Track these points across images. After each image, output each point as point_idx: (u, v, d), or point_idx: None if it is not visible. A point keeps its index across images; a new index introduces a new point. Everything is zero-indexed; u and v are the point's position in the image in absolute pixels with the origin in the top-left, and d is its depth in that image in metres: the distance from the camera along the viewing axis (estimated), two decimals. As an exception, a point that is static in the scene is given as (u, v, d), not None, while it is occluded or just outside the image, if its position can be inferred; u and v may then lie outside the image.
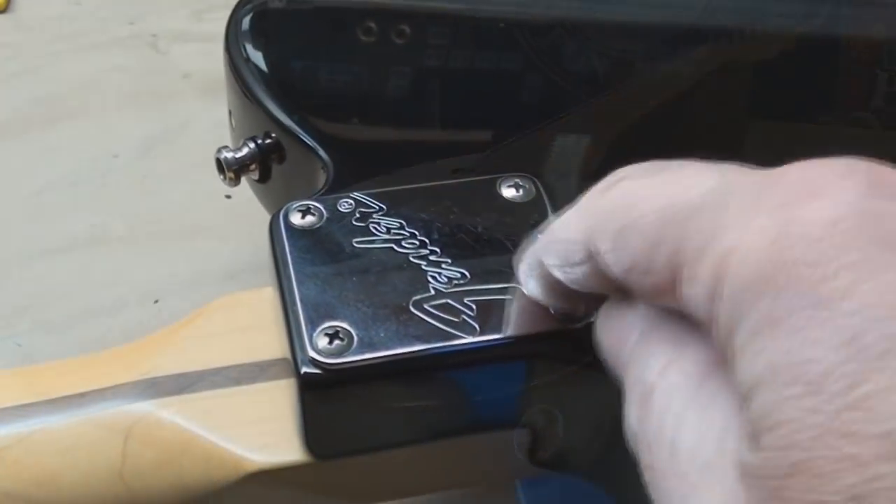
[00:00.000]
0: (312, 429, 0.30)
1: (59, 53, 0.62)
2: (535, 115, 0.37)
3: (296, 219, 0.32)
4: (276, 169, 0.38)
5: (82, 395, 0.33)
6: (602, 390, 0.30)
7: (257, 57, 0.39)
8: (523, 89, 0.39)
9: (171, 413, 0.33)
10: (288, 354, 0.30)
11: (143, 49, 0.62)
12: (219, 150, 0.38)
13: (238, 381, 0.33)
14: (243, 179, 0.39)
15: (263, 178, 0.38)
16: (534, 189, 0.33)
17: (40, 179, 0.55)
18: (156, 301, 0.49)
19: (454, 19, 0.40)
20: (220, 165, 0.38)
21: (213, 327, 0.35)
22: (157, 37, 0.63)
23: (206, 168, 0.54)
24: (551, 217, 0.32)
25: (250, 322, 0.34)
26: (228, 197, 0.52)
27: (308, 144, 0.35)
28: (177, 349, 0.34)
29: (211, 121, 0.57)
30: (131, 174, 0.55)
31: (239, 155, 0.38)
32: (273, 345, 0.33)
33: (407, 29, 0.38)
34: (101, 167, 0.55)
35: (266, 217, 0.42)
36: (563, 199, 0.33)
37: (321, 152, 0.35)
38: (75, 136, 0.57)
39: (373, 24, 0.38)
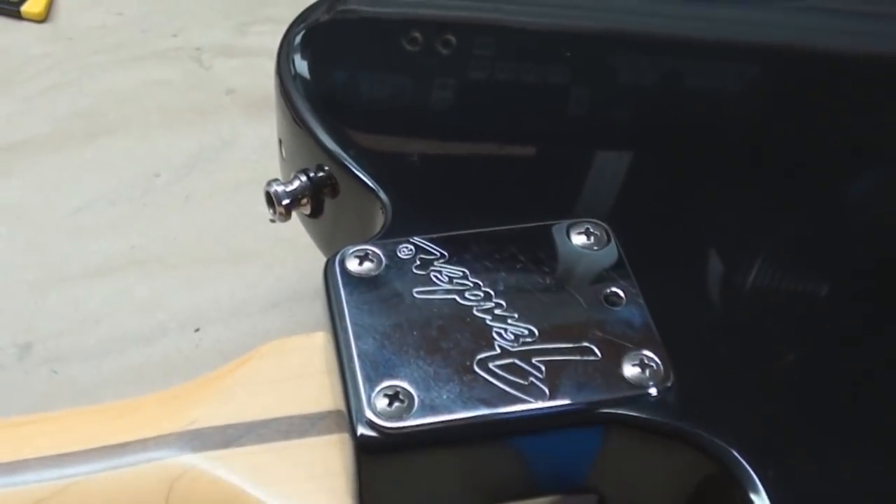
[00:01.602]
0: (368, 492, 0.28)
1: (99, 65, 0.60)
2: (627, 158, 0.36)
3: (353, 265, 0.30)
4: (328, 203, 0.36)
5: (124, 444, 0.31)
6: (680, 458, 0.28)
7: (310, 81, 0.37)
8: (609, 133, 0.37)
9: (216, 467, 0.31)
10: (343, 409, 0.28)
11: (187, 63, 0.60)
12: (268, 183, 0.36)
13: (287, 435, 0.32)
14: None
15: (315, 213, 0.36)
16: (605, 236, 0.31)
17: (78, 198, 0.53)
18: (196, 329, 0.48)
19: (549, 49, 0.38)
20: (270, 199, 0.36)
21: (261, 375, 0.33)
22: (201, 50, 0.61)
23: (249, 189, 0.53)
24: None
25: (300, 370, 0.33)
26: (273, 221, 0.50)
27: (366, 182, 0.33)
28: (223, 398, 0.32)
29: (256, 140, 0.55)
30: (173, 194, 0.53)
31: (290, 188, 0.36)
32: (324, 396, 0.31)
33: (484, 57, 0.36)
34: (142, 186, 0.54)
35: (311, 243, 0.40)
36: (636, 247, 0.31)
37: (380, 192, 0.33)
38: (115, 152, 0.55)
39: (451, 41, 0.37)
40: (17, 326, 0.48)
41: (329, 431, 0.31)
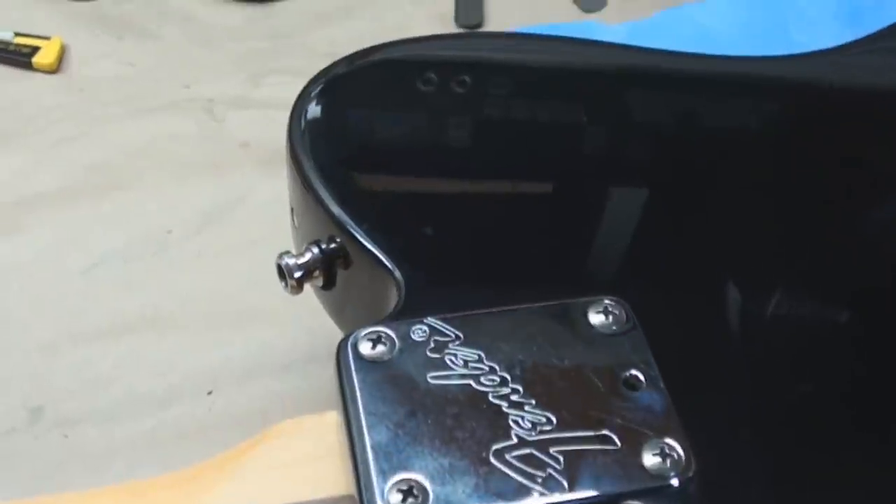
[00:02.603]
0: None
1: (111, 117, 0.60)
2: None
3: (365, 349, 0.30)
4: (341, 274, 0.35)
5: (132, 532, 0.31)
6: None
7: (323, 148, 0.36)
8: (633, 200, 0.36)
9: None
10: (356, 496, 0.27)
11: (199, 115, 0.60)
12: (280, 256, 0.35)
13: (300, 523, 0.31)
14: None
15: (328, 285, 0.35)
16: (625, 316, 0.31)
17: (90, 255, 0.52)
18: (209, 392, 0.47)
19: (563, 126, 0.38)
20: (282, 272, 0.35)
21: (274, 458, 0.32)
22: (214, 102, 0.60)
23: (262, 246, 0.52)
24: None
25: (313, 452, 0.32)
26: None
27: (379, 258, 0.32)
28: (235, 481, 0.32)
29: (270, 194, 0.55)
30: (185, 251, 0.53)
31: (302, 261, 0.35)
32: (338, 480, 0.31)
33: (504, 124, 0.36)
34: (154, 242, 0.53)
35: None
36: (658, 327, 0.30)
37: (394, 269, 0.32)
38: (128, 207, 0.55)
39: (469, 114, 0.36)
40: (29, 388, 0.47)
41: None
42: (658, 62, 0.41)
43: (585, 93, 0.40)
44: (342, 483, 0.31)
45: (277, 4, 0.67)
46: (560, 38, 0.41)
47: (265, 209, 0.54)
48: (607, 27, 0.62)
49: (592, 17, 0.65)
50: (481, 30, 0.64)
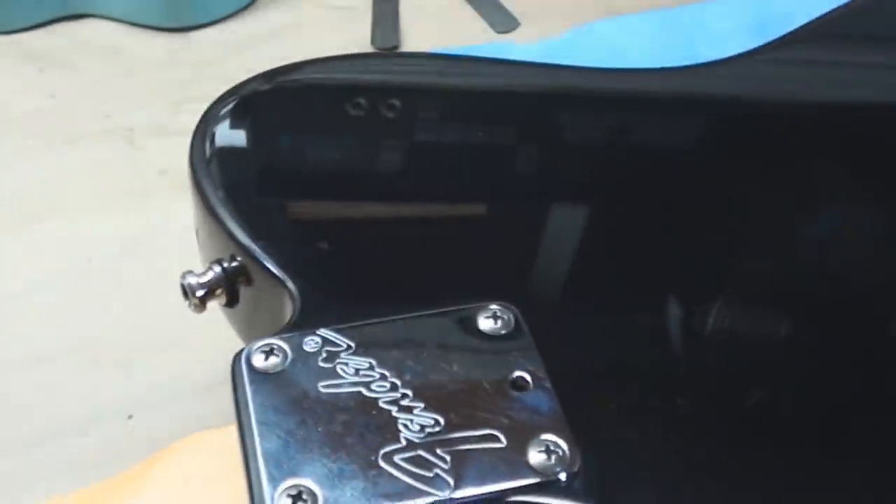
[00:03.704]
0: None
1: (31, 149, 0.60)
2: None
3: (258, 361, 0.30)
4: (243, 292, 0.36)
5: (35, 552, 0.31)
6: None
7: (222, 169, 0.37)
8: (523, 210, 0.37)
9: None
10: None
11: (119, 144, 0.60)
12: (183, 275, 0.36)
13: (203, 535, 0.31)
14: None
15: (231, 302, 0.36)
16: (513, 320, 0.31)
17: (9, 285, 0.53)
18: (129, 416, 0.47)
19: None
20: (185, 291, 0.36)
21: (176, 473, 0.32)
22: (133, 131, 0.61)
23: (181, 272, 0.52)
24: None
25: (216, 467, 0.32)
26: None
27: (275, 274, 0.33)
28: (137, 496, 0.32)
29: (188, 220, 0.55)
30: (105, 280, 0.53)
31: (204, 280, 0.36)
32: (240, 493, 0.31)
33: (399, 147, 0.37)
34: (74, 272, 0.53)
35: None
36: (546, 330, 0.31)
37: (287, 282, 0.33)
38: (47, 238, 0.55)
39: (360, 134, 0.37)
40: (-52, 419, 0.47)
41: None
42: (559, 79, 0.42)
43: (478, 103, 0.41)
44: (243, 497, 0.31)
45: (197, 34, 0.68)
46: (457, 56, 0.42)
47: (184, 235, 0.54)
48: (520, 47, 0.63)
49: (506, 38, 0.67)
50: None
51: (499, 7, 0.67)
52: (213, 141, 0.38)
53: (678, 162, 0.40)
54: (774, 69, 0.45)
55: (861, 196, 0.39)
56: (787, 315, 0.34)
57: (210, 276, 0.36)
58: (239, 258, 0.35)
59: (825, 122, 0.42)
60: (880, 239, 0.37)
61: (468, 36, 0.66)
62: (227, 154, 0.38)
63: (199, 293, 0.36)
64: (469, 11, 0.68)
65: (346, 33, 0.67)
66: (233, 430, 0.32)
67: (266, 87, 0.40)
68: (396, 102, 0.41)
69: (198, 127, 0.39)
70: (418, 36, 0.67)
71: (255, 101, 0.40)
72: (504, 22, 0.67)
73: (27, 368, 0.49)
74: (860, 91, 0.44)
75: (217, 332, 0.49)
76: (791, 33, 0.46)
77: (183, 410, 0.48)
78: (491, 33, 0.67)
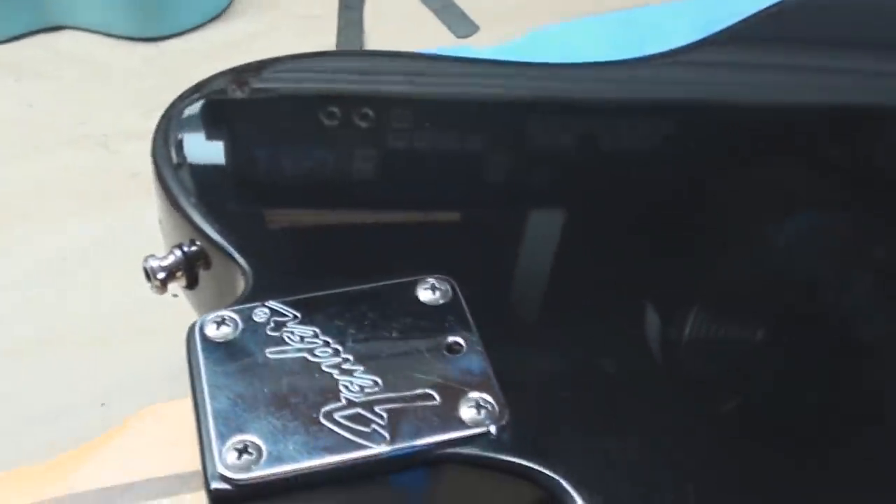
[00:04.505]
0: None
1: (10, 155, 0.62)
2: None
3: (211, 331, 0.32)
4: (203, 275, 0.38)
5: (5, 513, 0.33)
6: (524, 497, 0.30)
7: (181, 158, 0.40)
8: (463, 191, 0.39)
9: (94, 529, 0.33)
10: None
11: (94, 149, 0.62)
12: (145, 259, 0.38)
13: (161, 495, 0.33)
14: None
15: (191, 284, 0.38)
16: (450, 291, 0.34)
17: (-11, 283, 0.55)
18: (102, 404, 0.49)
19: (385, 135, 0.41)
20: (147, 274, 0.38)
21: (138, 440, 0.35)
22: (108, 136, 0.63)
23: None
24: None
25: (173, 433, 0.34)
26: (175, 296, 0.52)
27: (227, 250, 0.35)
28: (100, 463, 0.34)
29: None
30: (79, 275, 0.55)
31: (165, 263, 0.38)
32: (195, 456, 0.33)
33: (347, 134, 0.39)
34: (51, 270, 0.55)
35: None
36: (480, 299, 0.34)
37: (239, 259, 0.35)
38: (25, 238, 0.57)
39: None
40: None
41: (199, 488, 0.33)
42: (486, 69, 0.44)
43: (422, 93, 0.43)
44: (198, 460, 0.33)
45: (168, 43, 0.70)
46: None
47: (154, 234, 0.56)
48: (479, 51, 0.65)
49: (465, 42, 0.69)
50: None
51: (459, 13, 0.70)
52: (174, 136, 0.40)
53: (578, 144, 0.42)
54: (681, 71, 0.47)
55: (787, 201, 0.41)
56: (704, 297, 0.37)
57: (171, 259, 0.38)
58: (197, 242, 0.37)
59: (730, 125, 0.44)
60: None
61: (430, 41, 0.68)
62: (187, 147, 0.40)
63: (160, 275, 0.38)
64: (430, 17, 0.71)
65: (312, 40, 0.70)
66: (188, 401, 0.34)
67: (224, 82, 0.42)
68: (343, 91, 0.43)
69: (160, 122, 0.41)
70: (381, 42, 0.69)
71: (214, 97, 0.42)
72: (464, 27, 0.69)
73: (6, 360, 0.51)
74: (774, 93, 0.46)
75: (185, 322, 0.51)
76: (710, 36, 0.48)
77: (154, 397, 0.49)
78: (452, 38, 0.69)
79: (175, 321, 0.51)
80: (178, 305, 0.51)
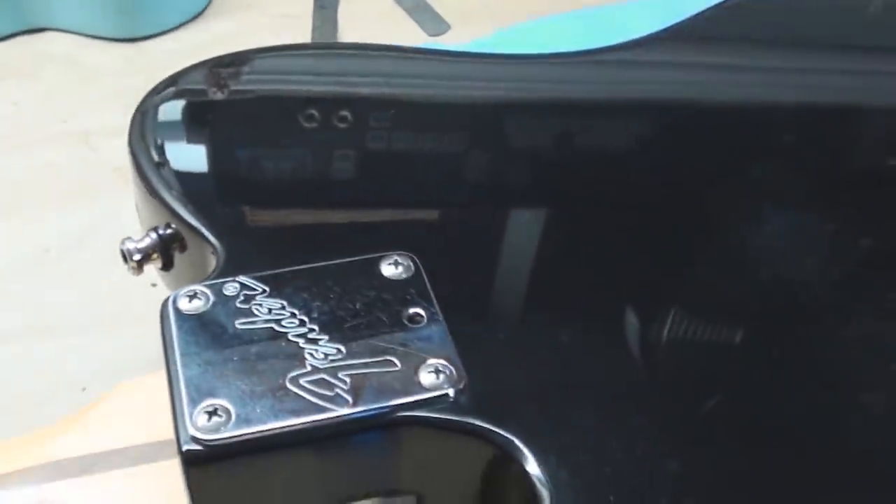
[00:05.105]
0: (199, 503, 0.32)
1: (-6, 153, 0.64)
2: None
3: (183, 304, 0.34)
4: (178, 257, 0.40)
5: (-12, 481, 0.35)
6: (480, 456, 0.32)
7: (155, 142, 0.41)
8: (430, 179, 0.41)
9: (75, 494, 0.34)
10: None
11: (76, 146, 0.64)
12: (122, 241, 0.40)
13: (138, 461, 0.35)
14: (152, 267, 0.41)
15: (166, 266, 0.40)
16: (412, 266, 0.35)
17: (-26, 275, 0.56)
18: (83, 389, 0.51)
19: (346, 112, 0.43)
20: (124, 255, 0.40)
21: (115, 410, 0.36)
22: (90, 133, 0.65)
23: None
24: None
25: (151, 404, 0.36)
26: (154, 285, 0.54)
27: (199, 230, 0.37)
28: (79, 433, 0.36)
29: (138, 212, 0.59)
30: (62, 266, 0.57)
31: (141, 245, 0.39)
32: (171, 426, 0.35)
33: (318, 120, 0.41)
34: (34, 261, 0.57)
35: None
36: (443, 275, 0.35)
37: (210, 237, 0.37)
38: (8, 231, 0.59)
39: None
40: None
41: (176, 455, 0.35)
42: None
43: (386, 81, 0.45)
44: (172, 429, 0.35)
45: (148, 43, 0.72)
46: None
47: (135, 226, 0.58)
48: (450, 48, 0.67)
49: (437, 40, 0.71)
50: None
51: (430, 11, 0.72)
52: (149, 126, 0.42)
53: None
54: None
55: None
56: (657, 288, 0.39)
57: (147, 241, 0.40)
58: (172, 224, 0.39)
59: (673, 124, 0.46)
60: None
61: (402, 39, 0.70)
62: (161, 137, 0.42)
63: (137, 257, 0.40)
64: (403, 16, 0.73)
65: (289, 39, 0.72)
66: (161, 376, 0.36)
67: (196, 74, 0.44)
68: (311, 79, 0.45)
69: (135, 114, 0.43)
70: (354, 39, 0.71)
71: (187, 88, 0.44)
72: (435, 25, 0.71)
73: (-8, 348, 0.53)
74: (732, 90, 0.48)
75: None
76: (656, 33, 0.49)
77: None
78: (424, 36, 0.71)
79: (153, 310, 0.53)
80: (157, 294, 0.53)
